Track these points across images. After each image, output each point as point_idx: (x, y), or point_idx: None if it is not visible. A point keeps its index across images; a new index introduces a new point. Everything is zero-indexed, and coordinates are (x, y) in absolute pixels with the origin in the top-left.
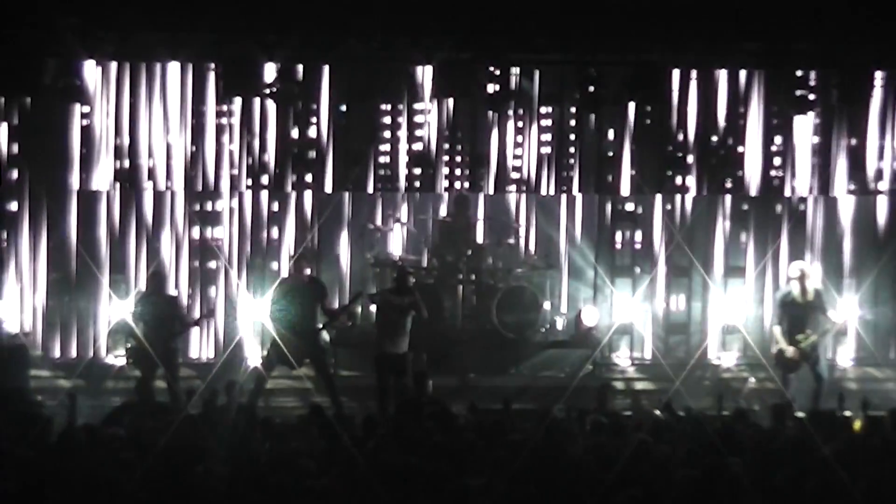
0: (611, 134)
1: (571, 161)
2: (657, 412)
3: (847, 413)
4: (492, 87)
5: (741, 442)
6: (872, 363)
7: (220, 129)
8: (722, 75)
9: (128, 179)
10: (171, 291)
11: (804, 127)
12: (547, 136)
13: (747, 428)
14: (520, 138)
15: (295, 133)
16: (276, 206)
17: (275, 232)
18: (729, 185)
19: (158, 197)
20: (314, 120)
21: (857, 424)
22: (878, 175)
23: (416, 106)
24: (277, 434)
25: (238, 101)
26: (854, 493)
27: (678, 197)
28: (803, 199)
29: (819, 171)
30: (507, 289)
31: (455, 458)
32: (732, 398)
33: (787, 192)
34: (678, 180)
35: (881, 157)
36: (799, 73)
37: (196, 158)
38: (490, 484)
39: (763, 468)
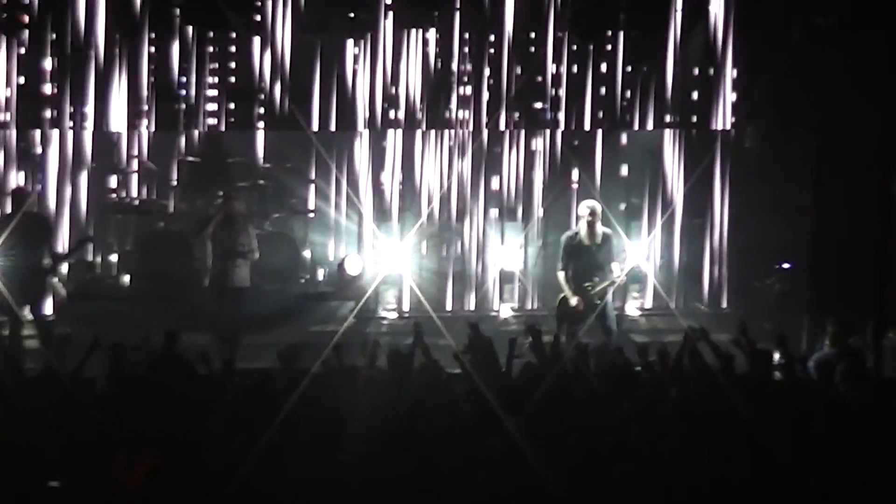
0: (388, 66)
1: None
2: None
3: (638, 368)
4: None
5: (526, 400)
6: (662, 312)
7: None
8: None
9: None
10: None
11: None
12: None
13: (532, 385)
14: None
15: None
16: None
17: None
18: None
19: None
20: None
21: None
22: (670, 107)
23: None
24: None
25: None
26: (649, 452)
27: (454, 134)
28: (589, 135)
29: (605, 104)
30: (264, 236)
31: (211, 417)
32: (515, 353)
33: (572, 126)
34: (456, 115)
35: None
36: None
37: None
38: (252, 444)
39: (553, 428)
